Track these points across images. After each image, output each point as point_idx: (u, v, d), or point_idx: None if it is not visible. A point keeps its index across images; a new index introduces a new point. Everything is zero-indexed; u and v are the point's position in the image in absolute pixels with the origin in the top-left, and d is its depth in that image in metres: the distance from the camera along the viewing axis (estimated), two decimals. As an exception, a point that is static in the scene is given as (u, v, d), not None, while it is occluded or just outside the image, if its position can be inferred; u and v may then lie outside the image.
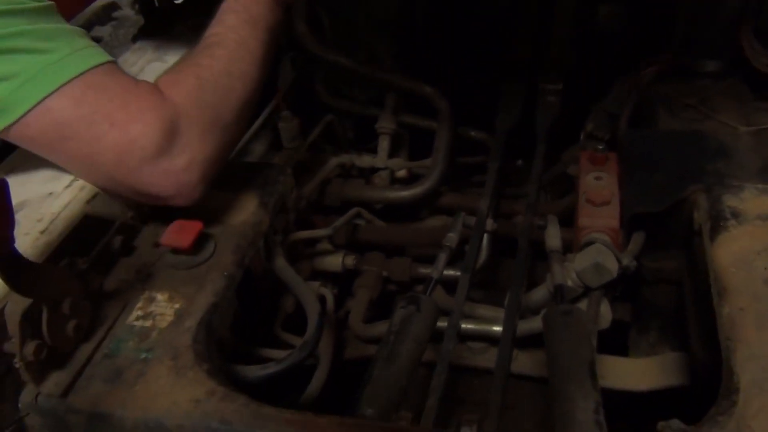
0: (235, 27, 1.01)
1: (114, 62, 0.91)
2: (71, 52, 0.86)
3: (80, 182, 0.95)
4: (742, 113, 1.22)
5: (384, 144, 1.50)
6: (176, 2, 1.51)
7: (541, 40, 1.60)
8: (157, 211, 1.00)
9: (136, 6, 1.68)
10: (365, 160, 1.49)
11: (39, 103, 0.83)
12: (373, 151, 1.53)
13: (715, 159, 1.10)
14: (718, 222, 0.96)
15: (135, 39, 1.49)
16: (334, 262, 1.30)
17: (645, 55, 1.42)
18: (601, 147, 1.22)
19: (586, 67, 1.55)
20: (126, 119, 0.86)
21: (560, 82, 1.50)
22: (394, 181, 1.52)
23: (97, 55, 0.89)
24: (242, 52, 1.00)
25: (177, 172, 0.89)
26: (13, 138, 0.87)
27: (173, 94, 0.90)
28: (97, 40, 2.11)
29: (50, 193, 0.93)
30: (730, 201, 0.99)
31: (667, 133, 1.20)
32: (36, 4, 0.86)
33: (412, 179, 1.51)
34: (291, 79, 1.52)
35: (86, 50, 0.88)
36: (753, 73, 1.27)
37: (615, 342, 1.19)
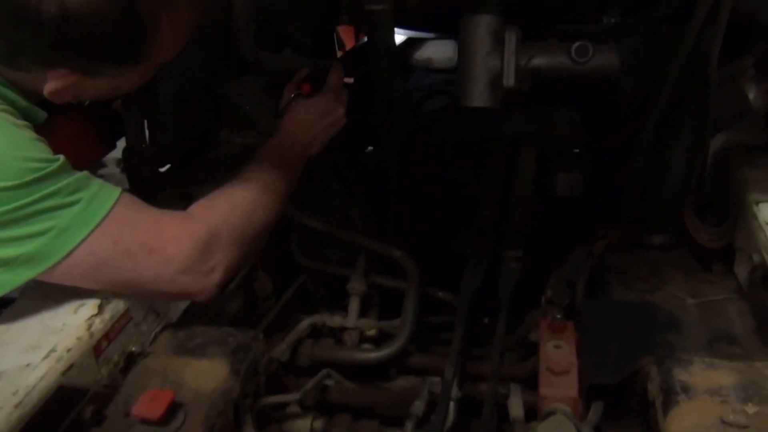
0: (268, 168, 1.20)
1: (125, 191, 1.01)
2: (92, 198, 0.96)
3: (58, 353, 0.98)
4: (690, 285, 1.31)
5: (354, 304, 1.56)
6: (161, 170, 1.61)
7: (504, 206, 1.71)
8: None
9: (122, 165, 1.78)
10: (336, 320, 1.54)
11: (77, 246, 0.94)
12: (345, 309, 1.58)
13: (666, 331, 1.17)
14: (669, 396, 1.01)
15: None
16: (303, 426, 1.32)
17: (601, 223, 1.52)
18: (559, 316, 1.29)
19: (546, 233, 1.65)
20: (162, 245, 0.99)
21: (521, 249, 1.59)
22: (364, 340, 1.56)
23: (112, 191, 0.99)
24: (270, 189, 1.18)
25: (205, 280, 1.05)
26: (55, 278, 0.97)
27: (208, 215, 1.06)
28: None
29: (27, 365, 0.96)
30: (680, 375, 1.04)
31: (621, 304, 1.28)
32: (57, 164, 0.94)
33: (382, 338, 1.56)
34: (268, 240, 1.60)
35: (102, 190, 0.98)
36: (698, 246, 1.37)
37: None
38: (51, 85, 0.96)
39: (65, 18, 0.85)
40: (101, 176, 2.20)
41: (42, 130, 1.03)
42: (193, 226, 1.04)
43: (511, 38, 1.41)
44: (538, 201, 1.73)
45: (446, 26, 1.46)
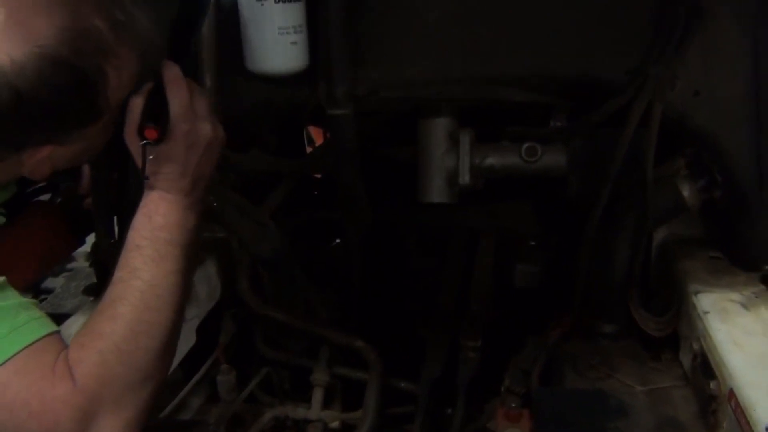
0: (139, 269, 0.95)
1: (51, 335, 0.91)
2: (8, 332, 0.87)
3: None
4: (639, 373, 1.36)
5: (318, 395, 1.58)
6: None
7: (463, 295, 1.77)
8: None
9: (90, 260, 1.81)
10: (299, 412, 1.56)
11: None
12: (309, 401, 1.60)
13: (616, 418, 1.21)
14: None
15: (86, 291, 1.60)
16: None
17: (555, 313, 1.59)
18: (514, 405, 1.33)
19: (503, 323, 1.71)
20: (41, 410, 0.86)
21: (479, 339, 1.64)
22: (328, 432, 1.58)
23: (35, 330, 0.89)
24: (148, 301, 0.94)
25: None
26: None
27: (79, 374, 0.88)
28: (49, 291, 2.22)
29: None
30: (629, 460, 1.08)
31: (573, 391, 1.33)
32: None
33: (345, 429, 1.57)
34: (231, 333, 1.63)
35: (25, 326, 0.89)
36: (645, 334, 1.44)
37: None
38: (27, 165, 0.94)
39: (20, 99, 0.83)
40: (70, 270, 2.23)
41: (9, 227, 1.05)
42: (70, 390, 0.87)
43: (465, 139, 1.51)
44: (497, 291, 1.80)
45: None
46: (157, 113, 0.93)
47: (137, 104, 0.94)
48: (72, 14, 0.85)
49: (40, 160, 0.93)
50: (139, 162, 0.95)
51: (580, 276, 1.48)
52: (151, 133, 0.92)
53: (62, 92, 0.85)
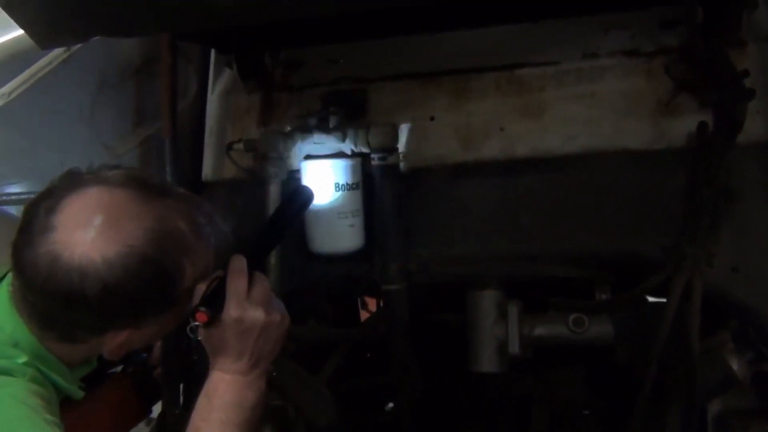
0: None
1: None
2: None
3: None
4: None
5: None
6: None
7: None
8: None
9: (151, 424, 1.87)
10: None
11: None
12: None
13: None
14: None
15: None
16: None
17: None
18: None
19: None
20: None
21: None
22: None
23: None
24: None
25: None
26: None
27: None
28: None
29: None
30: None
31: None
32: None
33: None
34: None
35: None
36: None
37: None
38: (107, 347, 1.02)
39: (107, 291, 0.92)
40: (131, 436, 2.27)
41: (86, 399, 1.13)
42: None
43: (513, 310, 1.58)
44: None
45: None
46: (214, 299, 1.01)
47: (201, 289, 1.03)
48: (159, 218, 0.97)
49: (118, 344, 1.02)
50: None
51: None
52: (201, 317, 1.00)
53: (144, 285, 0.95)
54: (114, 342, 1.02)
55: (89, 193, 0.96)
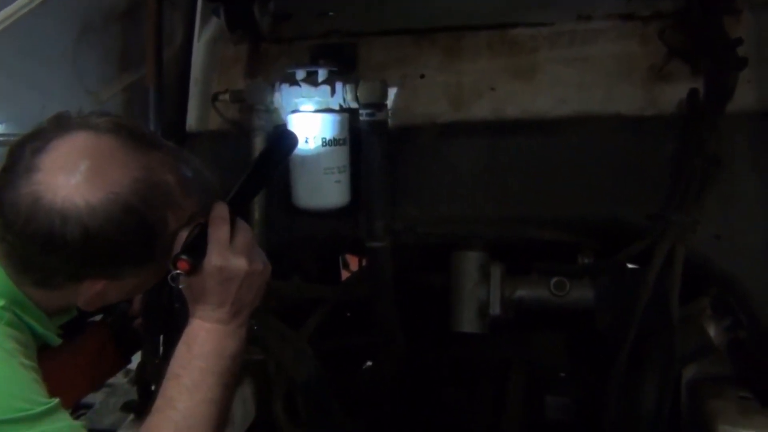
0: (175, 399, 0.97)
1: None
2: None
3: None
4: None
5: None
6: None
7: (495, 427, 1.78)
8: None
9: (129, 375, 1.87)
10: None
11: None
12: None
13: None
14: None
15: (124, 408, 1.65)
16: None
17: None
18: None
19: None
20: None
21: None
22: None
23: None
24: (193, 415, 0.96)
25: None
26: None
27: None
28: (88, 406, 2.26)
29: None
30: None
31: None
32: (41, 408, 0.90)
33: None
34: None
35: None
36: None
37: None
38: (83, 297, 1.00)
39: (88, 237, 0.91)
40: (109, 386, 2.28)
41: (64, 347, 1.12)
42: None
43: (496, 272, 1.58)
44: (527, 422, 1.80)
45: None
46: (197, 247, 0.99)
47: (182, 237, 1.00)
48: (147, 168, 0.95)
49: (94, 293, 1.00)
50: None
51: (609, 412, 1.49)
52: (182, 265, 0.98)
53: (126, 235, 0.94)
54: (90, 291, 1.00)
55: (77, 138, 0.94)
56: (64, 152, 0.92)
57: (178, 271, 0.98)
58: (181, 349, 1.02)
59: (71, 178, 0.91)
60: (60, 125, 0.95)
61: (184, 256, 0.98)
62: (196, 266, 0.99)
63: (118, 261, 0.97)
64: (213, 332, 1.01)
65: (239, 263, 1.01)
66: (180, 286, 1.00)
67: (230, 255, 1.01)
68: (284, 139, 1.23)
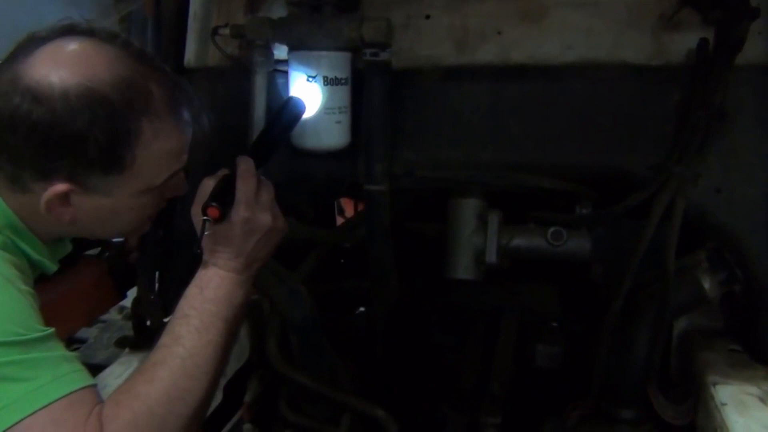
0: (183, 337, 0.99)
1: (88, 388, 0.93)
2: (50, 381, 0.90)
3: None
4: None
5: (336, 462, 1.61)
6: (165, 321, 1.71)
7: (484, 373, 1.80)
8: None
9: (124, 311, 1.88)
10: (317, 477, 1.58)
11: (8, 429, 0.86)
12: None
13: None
14: None
15: (118, 344, 1.66)
16: None
17: (575, 395, 1.61)
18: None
19: (523, 402, 1.73)
20: None
21: (499, 417, 1.66)
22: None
23: (74, 382, 0.92)
24: (188, 368, 0.98)
25: None
26: None
27: (109, 431, 0.90)
28: (82, 341, 2.28)
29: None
30: None
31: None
32: (36, 334, 0.91)
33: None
34: (257, 394, 1.67)
35: (66, 377, 0.91)
36: (663, 422, 1.45)
37: None
38: (46, 196, 0.96)
39: (55, 122, 0.90)
40: (103, 321, 2.29)
41: (59, 280, 1.11)
42: None
43: (493, 220, 1.58)
44: (517, 370, 1.82)
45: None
46: (224, 197, 1.03)
47: (208, 185, 1.05)
48: (133, 71, 0.96)
49: (58, 195, 0.96)
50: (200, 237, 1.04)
51: (600, 361, 1.51)
52: (213, 212, 1.01)
53: (95, 127, 0.93)
54: (52, 192, 0.96)
55: (76, 38, 0.97)
56: (59, 46, 0.95)
57: (206, 218, 1.02)
58: (192, 291, 1.05)
59: (54, 63, 0.93)
60: (66, 29, 0.98)
61: (214, 204, 1.02)
62: (224, 215, 1.03)
63: (84, 160, 0.94)
64: (227, 279, 1.06)
65: (264, 218, 1.06)
66: (206, 233, 1.03)
67: (257, 208, 1.05)
68: (294, 106, 1.22)
